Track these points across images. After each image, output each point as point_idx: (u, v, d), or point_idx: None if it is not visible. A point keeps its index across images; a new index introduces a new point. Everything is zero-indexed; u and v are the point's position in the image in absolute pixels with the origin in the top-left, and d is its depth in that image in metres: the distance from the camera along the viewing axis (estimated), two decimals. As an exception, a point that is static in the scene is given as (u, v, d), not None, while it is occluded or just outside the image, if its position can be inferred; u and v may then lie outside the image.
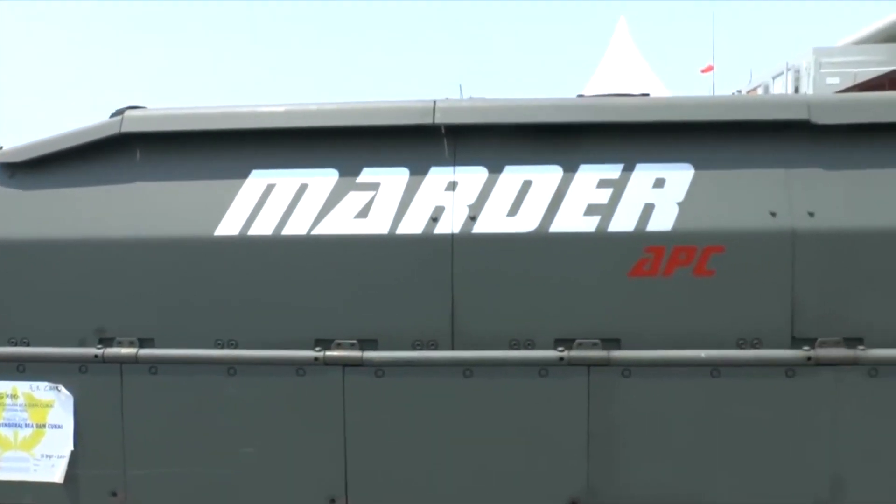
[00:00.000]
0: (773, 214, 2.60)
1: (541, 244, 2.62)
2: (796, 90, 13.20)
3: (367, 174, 2.73)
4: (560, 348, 2.62)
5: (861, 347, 2.59)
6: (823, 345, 2.60)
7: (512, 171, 2.69)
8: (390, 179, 2.72)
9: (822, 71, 13.46)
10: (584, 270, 2.62)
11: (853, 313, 2.60)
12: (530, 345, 2.64)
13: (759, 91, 14.01)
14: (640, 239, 2.60)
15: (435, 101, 2.73)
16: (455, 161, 2.72)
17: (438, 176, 2.71)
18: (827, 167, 2.66)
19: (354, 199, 2.70)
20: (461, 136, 2.73)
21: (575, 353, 2.60)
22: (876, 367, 2.59)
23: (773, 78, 13.85)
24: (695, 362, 2.60)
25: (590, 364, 2.61)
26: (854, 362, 2.59)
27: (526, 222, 2.63)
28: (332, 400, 2.67)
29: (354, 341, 2.67)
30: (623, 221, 2.61)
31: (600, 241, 2.61)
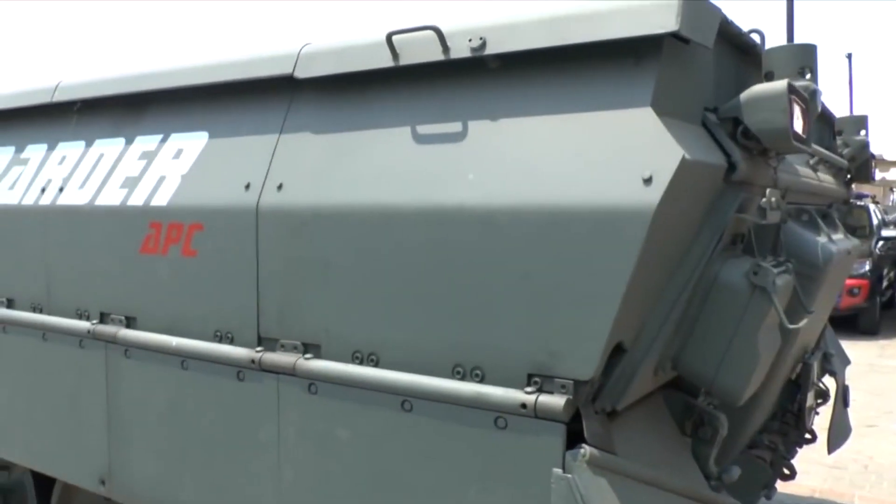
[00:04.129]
0: (247, 187, 2.22)
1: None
2: None
3: None
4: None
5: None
6: (283, 347, 2.14)
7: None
8: None
9: None
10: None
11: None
12: None
13: None
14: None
15: None
16: None
17: None
18: (314, 130, 2.15)
19: None
20: None
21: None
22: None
23: None
24: (167, 350, 2.36)
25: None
26: (292, 373, 2.08)
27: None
28: None
29: None
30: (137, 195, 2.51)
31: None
